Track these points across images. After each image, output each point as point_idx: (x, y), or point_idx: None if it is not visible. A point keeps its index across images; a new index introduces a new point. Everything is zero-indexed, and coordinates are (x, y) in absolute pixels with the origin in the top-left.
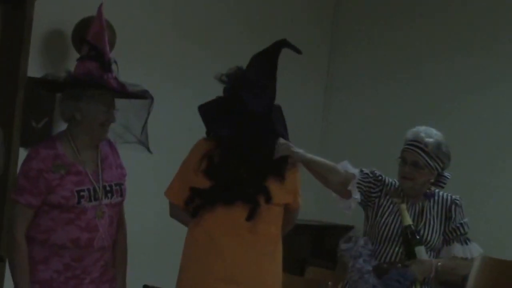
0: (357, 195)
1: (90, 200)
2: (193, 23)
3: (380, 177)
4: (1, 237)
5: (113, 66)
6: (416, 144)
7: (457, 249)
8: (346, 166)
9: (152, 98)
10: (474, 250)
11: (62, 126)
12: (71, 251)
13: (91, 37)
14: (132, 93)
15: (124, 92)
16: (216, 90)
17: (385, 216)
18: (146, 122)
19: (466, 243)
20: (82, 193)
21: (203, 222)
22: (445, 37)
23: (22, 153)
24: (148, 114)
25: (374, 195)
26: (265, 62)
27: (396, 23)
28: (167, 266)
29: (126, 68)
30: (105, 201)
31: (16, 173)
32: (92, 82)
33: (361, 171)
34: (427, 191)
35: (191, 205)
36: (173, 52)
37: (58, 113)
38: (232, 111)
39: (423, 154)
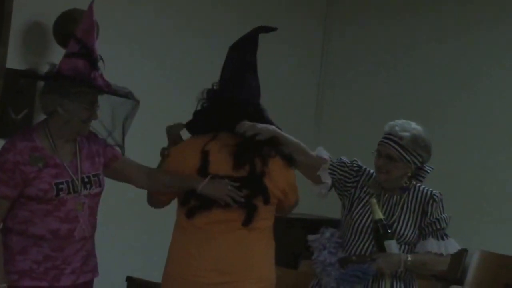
0: (327, 181)
1: (69, 192)
2: (185, 14)
3: (357, 168)
4: None
5: (100, 63)
6: (390, 137)
7: (432, 244)
8: (321, 152)
9: (137, 101)
10: (450, 246)
11: (42, 118)
12: (50, 242)
13: (80, 34)
14: (117, 93)
15: (111, 91)
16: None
17: (359, 207)
18: (129, 122)
19: (443, 239)
20: (60, 186)
21: (196, 220)
22: (441, 31)
23: (2, 145)
24: (132, 116)
25: (349, 185)
26: (243, 53)
27: (390, 17)
28: (151, 259)
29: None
30: (84, 192)
31: None
32: (82, 81)
33: (339, 159)
34: (404, 185)
35: (186, 205)
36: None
37: (39, 105)
38: (215, 111)
39: (397, 147)
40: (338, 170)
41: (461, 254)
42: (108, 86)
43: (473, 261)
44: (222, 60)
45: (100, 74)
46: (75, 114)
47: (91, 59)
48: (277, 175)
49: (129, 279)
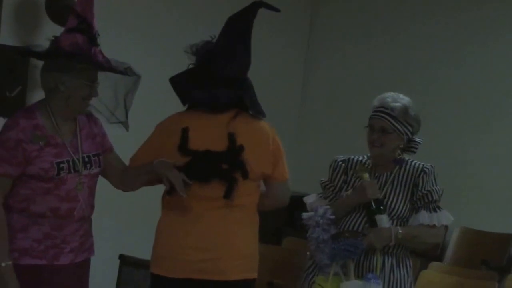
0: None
1: (69, 172)
2: None
3: (337, 168)
4: None
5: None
6: (382, 110)
7: (423, 217)
8: (310, 199)
9: (138, 75)
10: (443, 218)
11: (36, 95)
12: (50, 220)
13: (79, 8)
14: (117, 69)
15: (110, 67)
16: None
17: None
18: (130, 99)
19: (435, 211)
20: (61, 165)
21: (178, 198)
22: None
23: None
24: (134, 91)
25: (341, 184)
26: (239, 25)
27: None
28: (143, 236)
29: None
30: (85, 172)
31: None
32: (82, 57)
33: (321, 183)
34: (397, 157)
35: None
36: (150, 20)
37: (40, 82)
38: (203, 78)
39: (390, 119)
40: (330, 190)
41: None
42: (108, 62)
43: (452, 238)
44: None
45: (100, 50)
46: (75, 91)
47: (91, 35)
48: (260, 148)
49: (121, 257)
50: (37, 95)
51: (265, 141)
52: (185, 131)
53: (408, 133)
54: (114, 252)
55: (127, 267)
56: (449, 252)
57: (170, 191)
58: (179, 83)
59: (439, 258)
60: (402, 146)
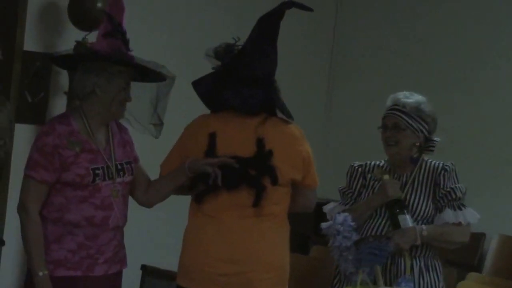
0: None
1: (104, 179)
2: None
3: (354, 173)
4: (5, 221)
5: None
6: (394, 107)
7: (448, 215)
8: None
9: (173, 78)
10: (469, 215)
11: (58, 101)
12: (85, 230)
13: (113, 13)
14: (153, 73)
15: (146, 71)
16: None
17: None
18: (163, 104)
19: (460, 209)
20: (97, 171)
21: (206, 206)
22: (459, 8)
23: (17, 129)
24: (167, 94)
25: (359, 188)
26: (269, 26)
27: None
28: (165, 246)
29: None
30: (118, 179)
31: (10, 149)
32: (120, 59)
33: (340, 190)
34: (413, 155)
35: (194, 190)
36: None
37: (74, 88)
38: (232, 79)
39: (402, 115)
40: (349, 196)
41: (479, 239)
42: (146, 66)
43: (491, 247)
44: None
45: (132, 56)
46: (112, 94)
47: (125, 40)
48: (290, 153)
49: (144, 268)
50: (60, 101)
51: (296, 146)
52: (212, 136)
53: (424, 130)
54: (136, 262)
55: (149, 278)
56: (488, 262)
57: (199, 199)
58: (204, 85)
59: (477, 268)
60: (418, 144)
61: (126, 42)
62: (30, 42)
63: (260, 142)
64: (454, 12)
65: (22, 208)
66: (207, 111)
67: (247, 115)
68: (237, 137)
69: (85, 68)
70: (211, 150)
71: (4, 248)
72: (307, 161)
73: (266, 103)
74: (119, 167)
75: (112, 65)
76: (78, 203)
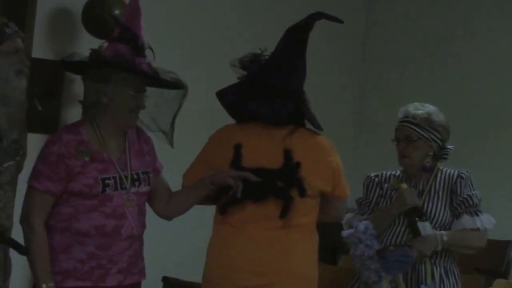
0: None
1: (116, 189)
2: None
3: (370, 183)
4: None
5: (148, 52)
6: (404, 119)
7: (466, 221)
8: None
9: (186, 88)
10: (486, 221)
11: (72, 110)
12: (95, 239)
13: (124, 19)
14: (164, 80)
15: (156, 78)
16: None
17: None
18: (176, 114)
19: (477, 214)
20: (107, 181)
21: (232, 218)
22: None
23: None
24: (180, 105)
25: (377, 198)
26: (296, 37)
27: None
28: (187, 257)
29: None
30: (133, 189)
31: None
32: (122, 65)
33: (357, 201)
34: (426, 165)
35: (219, 202)
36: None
37: (85, 96)
38: (260, 90)
39: (413, 126)
40: (366, 206)
41: (505, 245)
42: (155, 73)
43: None
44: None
45: (147, 62)
46: (119, 103)
47: (135, 45)
48: (318, 165)
49: (165, 279)
50: (73, 110)
51: (324, 157)
52: (238, 148)
53: (436, 139)
54: (157, 274)
55: None
56: None
57: (224, 210)
58: (229, 95)
59: (504, 275)
60: (432, 153)
61: (137, 48)
62: (40, 49)
63: (287, 154)
64: (487, 24)
65: (24, 220)
66: (231, 121)
67: (276, 126)
68: (263, 149)
69: (91, 75)
70: (236, 162)
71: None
72: (337, 173)
73: (295, 114)
74: (135, 176)
75: (117, 72)
76: (87, 212)
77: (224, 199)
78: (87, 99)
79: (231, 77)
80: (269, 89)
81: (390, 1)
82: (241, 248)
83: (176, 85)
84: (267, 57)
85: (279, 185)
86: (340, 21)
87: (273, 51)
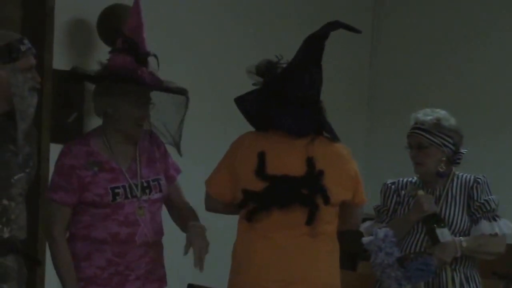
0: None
1: (126, 197)
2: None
3: (387, 191)
4: (38, 238)
5: (151, 60)
6: (415, 126)
7: (485, 226)
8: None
9: (187, 96)
10: (505, 226)
11: (92, 121)
12: (112, 246)
13: (126, 30)
14: (167, 89)
15: (158, 87)
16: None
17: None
18: (182, 122)
19: (495, 220)
20: (116, 190)
21: (258, 225)
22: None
23: (54, 149)
24: (184, 113)
25: (394, 205)
26: (314, 46)
27: None
28: (212, 265)
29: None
30: (144, 197)
31: (47, 171)
32: (121, 76)
33: (375, 209)
34: (440, 170)
35: (245, 209)
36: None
37: (92, 107)
38: (278, 99)
39: (423, 133)
40: (384, 213)
41: None
42: (158, 82)
43: None
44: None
45: (149, 72)
46: (124, 113)
47: (137, 55)
48: (339, 173)
49: (190, 287)
50: (94, 121)
51: (344, 165)
52: (262, 155)
53: (449, 145)
54: (182, 282)
55: None
56: None
57: (250, 217)
58: (248, 103)
59: None
60: (445, 159)
61: (139, 57)
62: (59, 60)
63: (310, 162)
64: (499, 27)
65: (46, 232)
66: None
67: (299, 136)
68: (286, 157)
69: (96, 87)
70: (261, 170)
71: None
72: (356, 180)
73: (315, 123)
74: (145, 184)
75: (120, 83)
76: (103, 221)
77: (250, 206)
78: (95, 110)
79: (243, 83)
80: (289, 99)
81: (397, 7)
82: (267, 256)
83: (179, 92)
84: (284, 65)
85: (304, 192)
86: (358, 31)
87: (292, 60)
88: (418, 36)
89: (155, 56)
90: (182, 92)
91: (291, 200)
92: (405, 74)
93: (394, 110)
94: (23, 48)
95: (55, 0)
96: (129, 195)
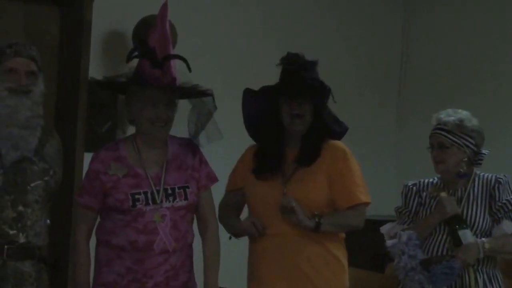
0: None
1: (147, 204)
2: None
3: (409, 192)
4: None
5: (173, 63)
6: (437, 126)
7: (507, 226)
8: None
9: (212, 95)
10: None
11: (126, 130)
12: (130, 254)
13: (152, 42)
14: (190, 89)
15: (173, 88)
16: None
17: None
18: (208, 120)
19: None
20: (137, 196)
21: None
22: None
23: (88, 159)
24: (209, 112)
25: (416, 207)
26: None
27: None
28: (233, 266)
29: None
30: (166, 204)
31: (80, 180)
32: (133, 79)
33: (397, 210)
34: (460, 170)
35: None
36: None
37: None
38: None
39: (445, 133)
40: (406, 215)
41: None
42: (171, 81)
43: None
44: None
45: (165, 73)
46: (138, 115)
47: (153, 58)
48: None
49: None
50: (127, 130)
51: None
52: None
53: (470, 145)
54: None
55: None
56: None
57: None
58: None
59: None
60: (466, 159)
61: (155, 61)
62: (96, 71)
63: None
64: None
65: (74, 233)
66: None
67: None
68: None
69: (125, 95)
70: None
71: None
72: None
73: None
74: (169, 191)
75: (132, 87)
76: (123, 228)
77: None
78: (126, 117)
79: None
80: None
81: (428, 21)
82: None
83: (204, 93)
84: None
85: None
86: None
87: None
88: (452, 34)
89: (182, 59)
90: (207, 92)
91: None
92: (437, 71)
93: (424, 108)
94: (8, 51)
95: (92, 12)
96: (150, 202)
